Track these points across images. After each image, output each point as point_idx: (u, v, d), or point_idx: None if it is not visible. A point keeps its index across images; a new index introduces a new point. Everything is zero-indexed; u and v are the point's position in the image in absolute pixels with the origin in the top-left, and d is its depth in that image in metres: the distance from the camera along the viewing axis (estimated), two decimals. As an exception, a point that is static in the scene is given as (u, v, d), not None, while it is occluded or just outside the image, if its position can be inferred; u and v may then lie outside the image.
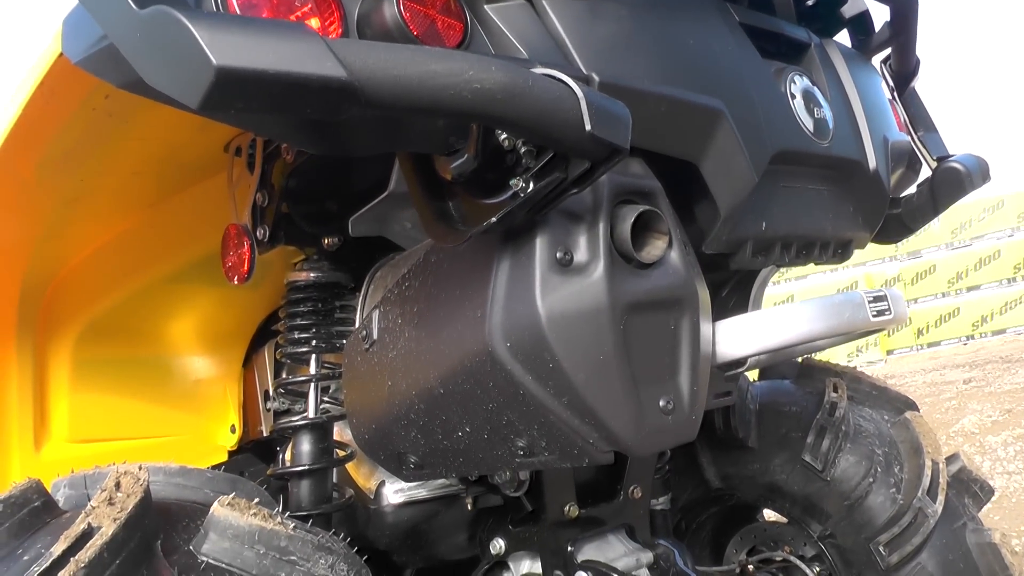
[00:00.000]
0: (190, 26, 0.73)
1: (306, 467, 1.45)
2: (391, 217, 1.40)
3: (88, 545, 0.98)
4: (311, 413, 1.47)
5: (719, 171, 1.13)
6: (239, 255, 1.39)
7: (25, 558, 1.01)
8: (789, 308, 1.19)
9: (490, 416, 1.11)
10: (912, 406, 2.04)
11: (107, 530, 0.99)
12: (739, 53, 1.21)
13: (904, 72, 1.70)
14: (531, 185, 0.94)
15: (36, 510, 1.09)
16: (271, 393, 1.73)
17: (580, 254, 1.02)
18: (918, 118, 1.74)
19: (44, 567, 0.96)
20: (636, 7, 1.11)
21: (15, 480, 1.27)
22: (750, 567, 2.15)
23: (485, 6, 1.04)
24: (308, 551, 1.10)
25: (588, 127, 0.85)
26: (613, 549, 1.65)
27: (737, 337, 1.16)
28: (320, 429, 1.48)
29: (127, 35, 0.82)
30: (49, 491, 1.15)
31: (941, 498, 1.71)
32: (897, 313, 1.27)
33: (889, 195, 1.47)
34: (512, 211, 0.96)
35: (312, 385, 1.48)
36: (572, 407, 1.02)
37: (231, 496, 1.10)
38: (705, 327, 1.11)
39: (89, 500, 1.14)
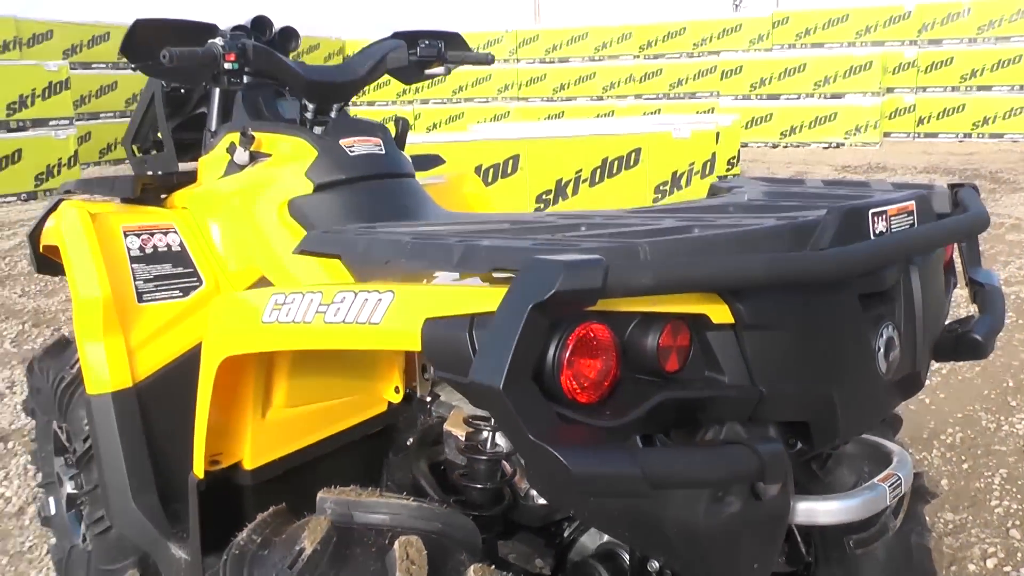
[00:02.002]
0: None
1: (482, 487, 1.71)
2: None
3: None
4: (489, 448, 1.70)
5: (820, 435, 1.35)
6: None
7: None
8: (847, 504, 1.40)
9: None
10: (899, 423, 2.22)
11: None
12: (855, 332, 1.36)
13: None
14: None
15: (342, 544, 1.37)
16: (430, 373, 1.95)
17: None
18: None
19: None
20: (802, 319, 1.27)
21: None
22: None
23: (707, 332, 1.21)
24: None
25: None
26: None
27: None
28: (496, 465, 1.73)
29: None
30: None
31: (902, 516, 1.98)
32: (907, 486, 1.49)
33: (923, 385, 1.61)
34: None
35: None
36: None
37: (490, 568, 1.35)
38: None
39: (352, 518, 1.42)
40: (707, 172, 9.46)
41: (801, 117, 17.73)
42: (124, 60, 2.18)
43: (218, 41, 2.00)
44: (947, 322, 1.66)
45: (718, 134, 9.98)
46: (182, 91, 2.45)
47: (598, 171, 8.86)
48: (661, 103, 20.26)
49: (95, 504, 2.22)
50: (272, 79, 2.15)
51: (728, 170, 11.66)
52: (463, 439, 1.72)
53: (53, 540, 2.71)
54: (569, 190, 8.71)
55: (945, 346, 1.64)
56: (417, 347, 1.21)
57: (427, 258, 1.38)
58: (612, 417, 1.14)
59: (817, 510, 1.39)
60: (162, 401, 2.08)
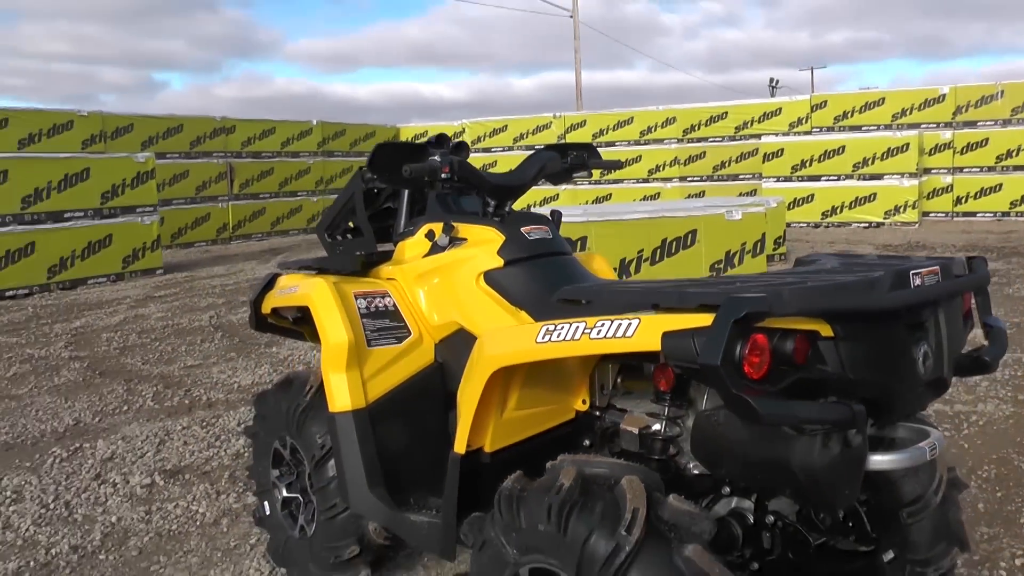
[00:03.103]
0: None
1: (658, 459, 2.38)
2: None
3: (637, 520, 1.94)
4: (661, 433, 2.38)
5: (884, 412, 2.11)
6: None
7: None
8: (900, 457, 2.09)
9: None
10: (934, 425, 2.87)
11: (643, 512, 1.96)
12: (904, 346, 2.06)
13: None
14: None
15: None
16: (607, 389, 2.65)
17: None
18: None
19: (629, 517, 1.93)
20: (873, 335, 1.97)
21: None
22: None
23: (818, 341, 1.92)
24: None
25: None
26: None
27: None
28: (667, 444, 2.41)
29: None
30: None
31: (941, 495, 2.61)
32: (941, 450, 2.19)
33: (948, 387, 2.32)
34: None
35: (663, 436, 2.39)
36: None
37: (681, 498, 2.06)
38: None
39: (584, 470, 2.11)
40: (757, 251, 10.16)
41: (841, 197, 18.46)
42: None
43: (436, 158, 2.79)
44: (966, 350, 2.34)
45: (767, 215, 10.71)
46: (375, 191, 3.22)
47: (658, 251, 9.59)
48: (705, 185, 21.11)
49: (326, 497, 2.93)
50: (468, 184, 2.92)
51: (775, 249, 12.33)
52: (637, 432, 2.42)
53: (253, 539, 3.43)
54: (632, 268, 9.41)
55: (964, 365, 2.34)
56: (658, 348, 1.94)
57: (658, 300, 2.09)
58: (770, 387, 1.86)
59: (879, 460, 2.07)
60: (386, 417, 2.82)
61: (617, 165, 3.49)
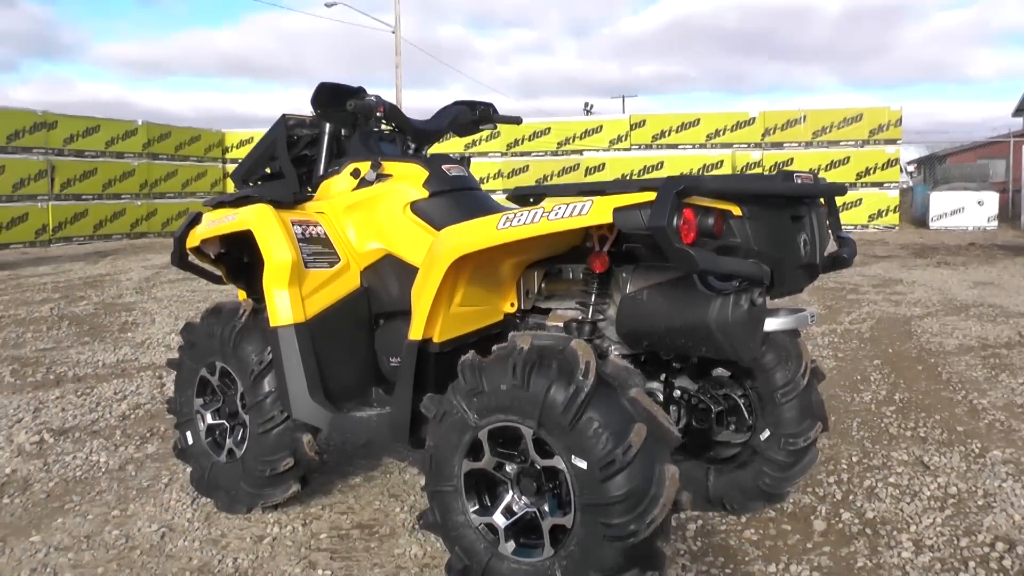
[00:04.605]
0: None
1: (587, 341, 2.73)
2: None
3: (590, 369, 2.29)
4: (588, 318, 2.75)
5: (776, 283, 2.49)
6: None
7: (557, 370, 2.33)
8: (789, 319, 2.60)
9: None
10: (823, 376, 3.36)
11: (594, 363, 2.31)
12: (791, 232, 2.53)
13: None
14: None
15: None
16: (532, 293, 3.01)
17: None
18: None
19: (583, 368, 2.28)
20: (770, 218, 2.42)
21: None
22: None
23: (731, 219, 2.34)
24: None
25: None
26: None
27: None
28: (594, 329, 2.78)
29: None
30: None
31: (807, 379, 3.10)
32: (814, 320, 2.66)
33: (819, 275, 2.81)
34: None
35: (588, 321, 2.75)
36: None
37: (618, 356, 2.47)
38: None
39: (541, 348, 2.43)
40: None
41: (660, 211, 19.43)
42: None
43: (373, 98, 3.10)
44: (827, 251, 2.84)
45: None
46: (295, 138, 3.47)
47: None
48: (529, 198, 21.71)
49: (262, 411, 3.15)
50: (395, 125, 3.24)
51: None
52: (562, 326, 2.78)
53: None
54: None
55: (828, 263, 2.84)
56: (610, 221, 2.29)
57: (602, 188, 2.40)
58: (699, 249, 2.23)
59: (775, 321, 2.57)
60: (321, 333, 3.09)
61: (517, 120, 3.88)
